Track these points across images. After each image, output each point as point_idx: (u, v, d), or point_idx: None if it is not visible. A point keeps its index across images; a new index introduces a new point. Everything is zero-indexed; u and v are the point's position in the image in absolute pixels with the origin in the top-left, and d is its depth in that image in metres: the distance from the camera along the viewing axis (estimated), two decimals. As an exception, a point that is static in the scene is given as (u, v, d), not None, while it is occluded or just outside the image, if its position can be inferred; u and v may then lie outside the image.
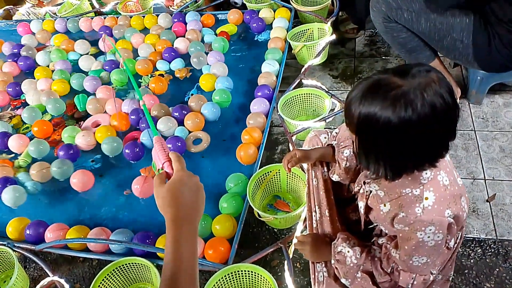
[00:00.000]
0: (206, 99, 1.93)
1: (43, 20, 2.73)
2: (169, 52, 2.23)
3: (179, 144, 1.72)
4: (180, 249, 0.70)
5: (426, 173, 0.85)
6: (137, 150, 1.75)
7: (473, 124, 1.78)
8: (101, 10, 2.79)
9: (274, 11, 2.38)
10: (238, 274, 1.25)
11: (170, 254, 0.70)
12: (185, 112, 1.86)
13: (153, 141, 0.87)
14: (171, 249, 0.70)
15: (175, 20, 2.49)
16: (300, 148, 1.24)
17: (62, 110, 2.06)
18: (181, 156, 0.82)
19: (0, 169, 1.75)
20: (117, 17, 2.61)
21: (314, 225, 1.20)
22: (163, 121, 1.81)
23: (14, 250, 1.45)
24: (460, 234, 0.99)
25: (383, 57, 2.24)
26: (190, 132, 1.83)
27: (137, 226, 1.52)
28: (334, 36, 2.04)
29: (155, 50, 2.30)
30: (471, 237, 1.42)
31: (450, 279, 1.08)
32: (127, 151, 1.75)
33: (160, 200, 0.76)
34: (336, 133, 1.22)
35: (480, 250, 1.39)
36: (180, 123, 1.86)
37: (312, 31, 2.18)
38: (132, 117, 1.90)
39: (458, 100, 1.84)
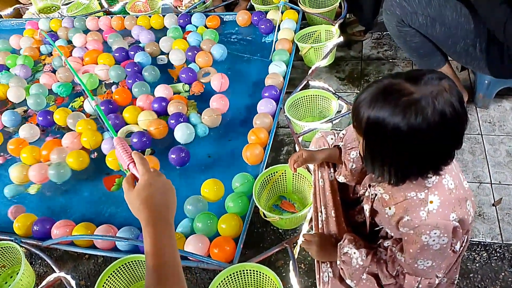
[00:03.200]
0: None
1: (51, 19, 2.75)
2: (50, 37, 2.43)
3: (191, 74, 2.08)
4: (158, 243, 0.73)
5: (431, 177, 0.86)
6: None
7: (480, 128, 1.77)
8: (110, 9, 2.81)
9: (282, 13, 2.38)
10: (243, 273, 1.26)
11: (149, 249, 0.73)
12: (196, 52, 2.19)
13: (114, 143, 0.87)
14: (150, 245, 0.73)
15: (181, 20, 2.51)
16: (306, 149, 1.25)
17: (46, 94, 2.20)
18: (143, 156, 0.82)
19: (175, 104, 1.86)
20: (124, 17, 2.63)
21: (320, 226, 1.20)
22: (174, 52, 2.21)
23: (21, 246, 1.46)
24: (466, 238, 0.99)
25: (390, 60, 2.24)
26: (200, 68, 2.16)
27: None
28: (341, 38, 2.04)
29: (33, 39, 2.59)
30: (477, 241, 1.42)
31: (455, 282, 1.08)
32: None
33: (132, 206, 0.78)
34: (343, 134, 1.22)
35: (485, 254, 1.38)
36: (193, 61, 2.21)
37: (320, 33, 2.19)
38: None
39: (465, 105, 1.84)
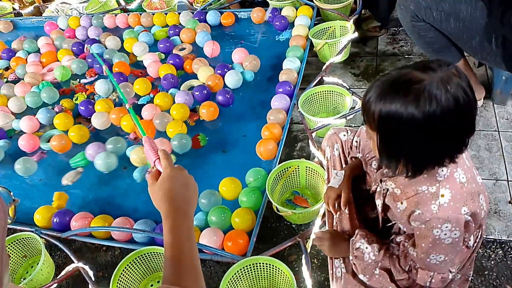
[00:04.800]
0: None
1: (69, 17, 2.81)
2: (6, 52, 2.63)
3: (168, 45, 2.39)
4: (176, 235, 0.75)
5: (442, 171, 0.85)
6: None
7: (497, 125, 1.75)
8: (127, 7, 2.85)
9: (297, 9, 2.38)
10: (256, 266, 1.27)
11: (168, 240, 0.74)
12: (178, 30, 2.48)
13: (143, 142, 0.90)
14: (168, 237, 0.75)
15: (196, 18, 2.53)
16: (333, 186, 1.19)
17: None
18: (168, 153, 0.85)
19: (196, 61, 2.17)
20: (141, 14, 2.67)
21: (333, 222, 1.21)
22: (137, 44, 2.41)
23: (41, 237, 1.51)
24: (479, 234, 0.98)
25: (406, 56, 2.22)
26: (182, 42, 2.46)
27: (159, 217, 1.55)
28: (356, 34, 2.03)
29: None
30: (492, 238, 1.40)
31: (469, 279, 1.07)
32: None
33: (154, 198, 0.81)
34: (356, 141, 1.21)
35: (501, 251, 1.37)
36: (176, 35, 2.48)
37: (334, 29, 2.18)
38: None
39: (482, 101, 1.81)
